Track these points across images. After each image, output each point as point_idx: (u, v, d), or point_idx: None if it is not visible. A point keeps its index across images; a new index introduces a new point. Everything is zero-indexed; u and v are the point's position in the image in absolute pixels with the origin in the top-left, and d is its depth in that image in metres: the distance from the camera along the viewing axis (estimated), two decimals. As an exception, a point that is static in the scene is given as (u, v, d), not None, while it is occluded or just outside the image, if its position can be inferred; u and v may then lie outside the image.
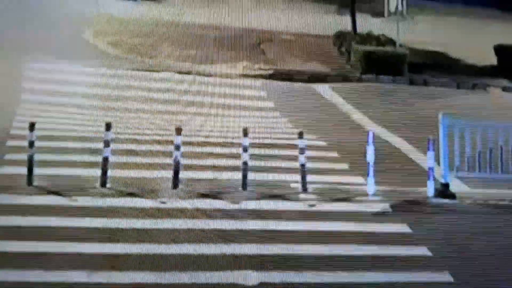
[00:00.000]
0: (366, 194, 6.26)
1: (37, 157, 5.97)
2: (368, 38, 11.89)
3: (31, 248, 4.70)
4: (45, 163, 6.11)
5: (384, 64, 11.10)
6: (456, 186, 6.49)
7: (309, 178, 6.28)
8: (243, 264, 4.71)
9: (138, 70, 9.46)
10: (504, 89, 11.22)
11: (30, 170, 5.91)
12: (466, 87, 11.11)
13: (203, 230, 5.26)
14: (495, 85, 11.17)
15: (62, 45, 9.94)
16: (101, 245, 4.86)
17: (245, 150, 6.23)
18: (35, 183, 5.88)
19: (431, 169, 6.36)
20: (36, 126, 6.06)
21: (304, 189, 6.24)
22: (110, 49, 10.57)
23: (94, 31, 11.34)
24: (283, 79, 9.12)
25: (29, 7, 11.83)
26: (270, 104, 9.13)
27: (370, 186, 6.28)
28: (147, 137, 7.57)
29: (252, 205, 5.85)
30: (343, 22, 12.43)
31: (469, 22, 13.84)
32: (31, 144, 5.97)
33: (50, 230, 5.02)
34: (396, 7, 12.05)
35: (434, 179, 6.39)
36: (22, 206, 5.44)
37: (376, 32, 12.05)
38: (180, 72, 9.51)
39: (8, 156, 6.48)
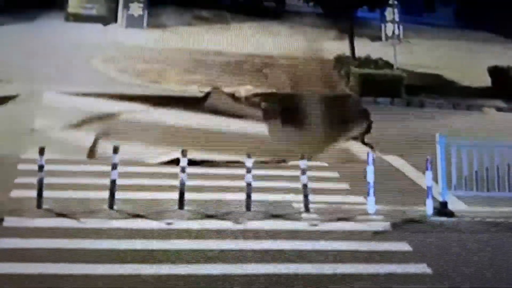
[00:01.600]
0: (367, 213, 6.37)
1: (47, 180, 6.13)
2: (366, 61, 12.20)
3: (40, 270, 4.78)
4: (54, 187, 6.26)
5: (382, 86, 11.35)
6: (454, 205, 6.60)
7: (311, 198, 6.41)
8: (248, 284, 4.79)
9: (144, 94, 9.66)
10: (498, 109, 11.42)
11: (39, 193, 6.06)
12: (462, 108, 11.32)
13: (208, 251, 5.35)
14: (490, 105, 11.36)
15: (71, 72, 10.21)
16: (109, 266, 4.93)
17: (248, 171, 6.38)
18: (45, 206, 6.02)
19: (429, 188, 6.47)
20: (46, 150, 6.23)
21: (306, 209, 6.36)
22: (118, 75, 10.84)
23: (102, 58, 11.65)
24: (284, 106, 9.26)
25: (39, 37, 12.18)
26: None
27: (371, 206, 6.40)
28: (153, 159, 7.74)
29: (256, 225, 5.97)
30: (343, 47, 12.75)
31: (463, 45, 14.17)
32: (41, 167, 6.13)
33: (59, 252, 5.12)
34: (393, 32, 12.42)
35: (433, 198, 6.50)
36: (32, 229, 5.56)
37: (374, 55, 12.36)
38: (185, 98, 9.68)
39: (18, 180, 6.65)
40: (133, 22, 13.80)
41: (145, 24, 13.98)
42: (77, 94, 8.75)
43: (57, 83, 9.44)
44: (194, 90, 10.22)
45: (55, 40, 12.15)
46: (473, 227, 6.23)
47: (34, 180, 6.10)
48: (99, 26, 13.48)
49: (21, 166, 7.03)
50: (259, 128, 8.57)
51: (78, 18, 13.77)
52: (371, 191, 6.38)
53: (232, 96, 9.32)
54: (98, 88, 9.45)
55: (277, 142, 8.34)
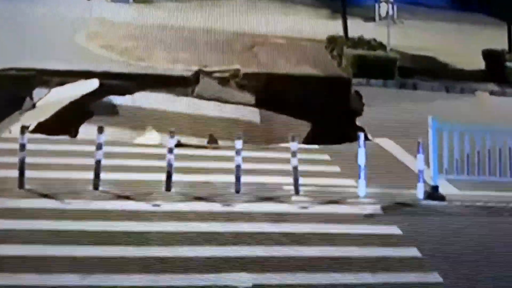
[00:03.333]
0: (357, 196, 6.32)
1: (29, 160, 5.95)
2: (359, 42, 12.02)
3: (23, 252, 4.68)
4: (37, 167, 6.09)
5: (375, 68, 11.22)
6: (445, 188, 6.59)
7: (301, 180, 6.33)
8: (236, 266, 4.74)
9: (129, 73, 9.43)
10: (492, 93, 11.40)
11: (21, 173, 5.89)
12: (455, 91, 11.29)
13: (196, 233, 5.28)
14: (483, 89, 11.34)
15: (54, 49, 9.90)
16: (94, 248, 4.84)
17: (238, 153, 6.27)
18: (27, 186, 5.86)
19: (421, 171, 6.44)
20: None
21: (297, 192, 6.29)
22: (103, 52, 10.55)
23: (86, 34, 11.31)
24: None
25: (20, 12, 11.76)
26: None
27: (361, 188, 6.35)
28: (139, 140, 7.59)
29: (245, 207, 5.89)
30: (335, 27, 12.54)
31: (458, 27, 14.06)
32: (22, 146, 5.94)
33: (42, 234, 5.00)
34: (387, 12, 12.21)
35: (424, 182, 6.47)
36: (14, 210, 5.42)
37: (367, 36, 12.19)
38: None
39: (-1, 159, 6.45)
40: (118, -4, 13.39)
41: (130, -1, 13.57)
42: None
43: (39, 59, 9.14)
44: (181, 69, 10.01)
45: (38, 16, 11.75)
46: (464, 211, 6.24)
47: (15, 160, 5.91)
48: (83, 0, 13.08)
49: (1, 145, 6.81)
50: (250, 112, 8.44)
51: None
52: (362, 174, 6.32)
53: (221, 78, 9.13)
54: (81, 65, 9.18)
55: (268, 126, 8.23)
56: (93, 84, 8.47)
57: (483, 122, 8.31)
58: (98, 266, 4.60)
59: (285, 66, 10.62)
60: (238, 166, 6.23)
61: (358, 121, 8.79)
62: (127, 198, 5.87)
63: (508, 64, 11.76)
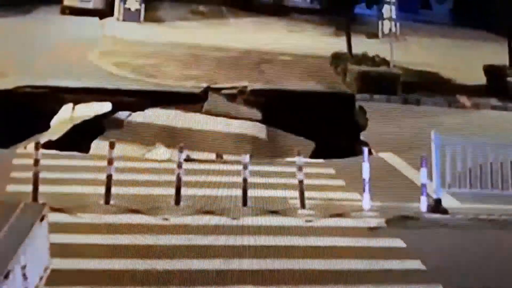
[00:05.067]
0: (362, 210, 6.41)
1: (43, 175, 6.12)
2: (363, 58, 12.21)
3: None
4: (50, 181, 6.25)
5: (378, 84, 11.38)
6: (447, 202, 6.66)
7: (307, 194, 6.43)
8: (243, 279, 4.82)
9: (141, 89, 9.63)
10: (494, 107, 11.49)
11: (35, 188, 6.05)
12: (457, 106, 11.40)
13: (204, 246, 5.38)
14: (484, 103, 11.39)
15: (68, 67, 10.17)
16: (105, 261, 4.95)
17: (245, 167, 6.41)
18: (40, 200, 6.00)
19: (424, 185, 6.54)
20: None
21: (303, 205, 6.40)
22: (115, 70, 10.79)
23: (99, 53, 11.59)
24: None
25: (35, 31, 12.11)
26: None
27: (366, 202, 6.45)
28: (149, 155, 7.75)
29: (251, 221, 6.00)
30: (339, 44, 12.77)
31: (459, 43, 14.23)
32: (36, 162, 6.12)
33: (54, 247, 5.12)
34: (390, 29, 12.45)
35: (427, 195, 6.56)
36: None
37: (370, 53, 12.39)
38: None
39: (14, 174, 6.63)
40: (130, 16, 13.76)
41: (142, 18, 13.93)
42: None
43: (53, 77, 9.39)
44: (191, 85, 10.22)
45: (51, 33, 12.08)
46: (466, 224, 6.30)
47: (29, 175, 6.09)
48: (95, 20, 13.45)
49: (16, 161, 7.01)
50: (257, 128, 8.58)
51: (74, 11, 13.70)
52: (367, 187, 6.42)
53: (229, 94, 9.32)
54: (94, 82, 9.41)
55: (274, 141, 8.38)
56: (106, 108, 8.64)
57: (485, 135, 8.39)
58: (108, 279, 4.70)
59: (291, 83, 10.79)
60: (245, 180, 6.36)
61: (362, 136, 8.90)
62: (138, 212, 6.00)
63: (510, 79, 11.87)
